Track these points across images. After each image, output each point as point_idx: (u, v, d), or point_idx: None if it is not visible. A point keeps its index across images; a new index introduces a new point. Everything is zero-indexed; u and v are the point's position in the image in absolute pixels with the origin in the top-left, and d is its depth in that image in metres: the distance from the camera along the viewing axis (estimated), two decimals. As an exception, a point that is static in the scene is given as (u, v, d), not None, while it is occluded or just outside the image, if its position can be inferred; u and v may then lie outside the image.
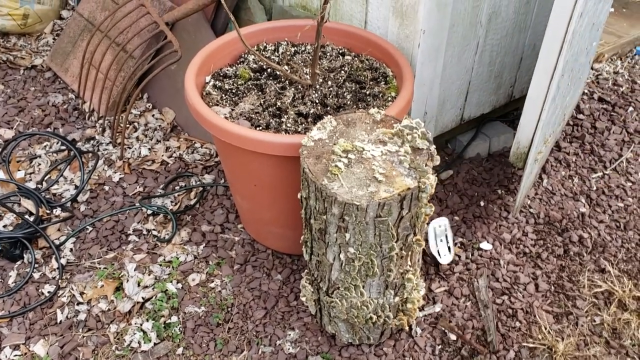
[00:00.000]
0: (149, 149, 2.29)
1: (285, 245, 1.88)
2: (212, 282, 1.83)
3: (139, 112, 2.44)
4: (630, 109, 2.50)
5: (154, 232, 1.98)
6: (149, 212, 2.03)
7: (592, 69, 2.72)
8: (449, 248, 1.83)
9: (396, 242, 1.34)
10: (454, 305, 1.76)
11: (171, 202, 2.09)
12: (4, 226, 1.98)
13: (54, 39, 2.93)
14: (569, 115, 2.36)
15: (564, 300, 1.77)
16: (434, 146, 1.36)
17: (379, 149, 1.36)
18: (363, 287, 1.43)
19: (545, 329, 1.69)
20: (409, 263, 1.44)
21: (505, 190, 2.12)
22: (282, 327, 1.71)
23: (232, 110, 1.66)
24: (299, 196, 1.44)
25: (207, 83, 1.76)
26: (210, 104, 1.68)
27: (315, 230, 1.41)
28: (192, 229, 1.99)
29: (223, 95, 1.72)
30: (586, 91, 2.59)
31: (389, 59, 1.81)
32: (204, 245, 1.94)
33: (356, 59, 1.86)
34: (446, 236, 1.84)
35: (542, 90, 1.66)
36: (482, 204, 2.06)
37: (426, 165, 1.32)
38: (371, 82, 1.78)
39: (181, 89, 1.68)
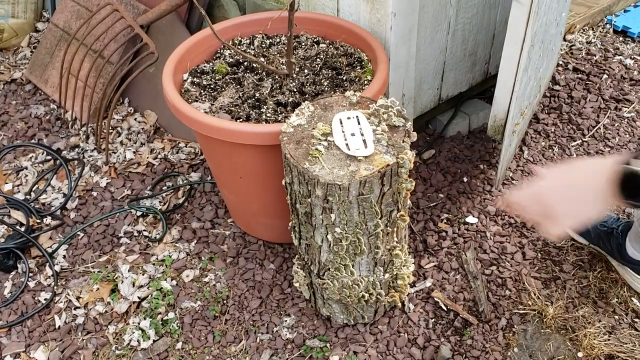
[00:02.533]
0: (134, 152, 2.31)
1: (275, 234, 1.90)
2: (206, 276, 1.86)
3: (121, 117, 2.45)
4: (605, 76, 2.54)
5: (145, 233, 2.00)
6: (139, 213, 2.05)
7: (564, 40, 2.76)
8: (364, 141, 1.37)
9: (380, 218, 1.37)
10: (444, 279, 1.79)
11: (159, 202, 2.11)
12: (-4, 239, 1.99)
13: (31, 51, 2.94)
14: (544, 86, 2.40)
15: (551, 266, 1.81)
16: (410, 123, 1.39)
17: (357, 130, 1.38)
18: (353, 266, 1.46)
19: (535, 294, 1.73)
20: (395, 239, 1.48)
21: (487, 165, 2.15)
22: (278, 314, 1.74)
23: (212, 105, 1.68)
24: (283, 182, 1.47)
25: (184, 80, 1.78)
26: (190, 100, 1.70)
27: (301, 214, 1.44)
28: (183, 226, 2.01)
29: (202, 91, 1.74)
30: (560, 62, 2.63)
31: (362, 43, 1.84)
32: (195, 241, 1.96)
33: (331, 46, 1.89)
34: (360, 130, 1.41)
35: (513, 61, 1.69)
36: (465, 179, 2.10)
37: (403, 141, 1.35)
38: (347, 68, 1.80)
39: (161, 90, 1.70)
